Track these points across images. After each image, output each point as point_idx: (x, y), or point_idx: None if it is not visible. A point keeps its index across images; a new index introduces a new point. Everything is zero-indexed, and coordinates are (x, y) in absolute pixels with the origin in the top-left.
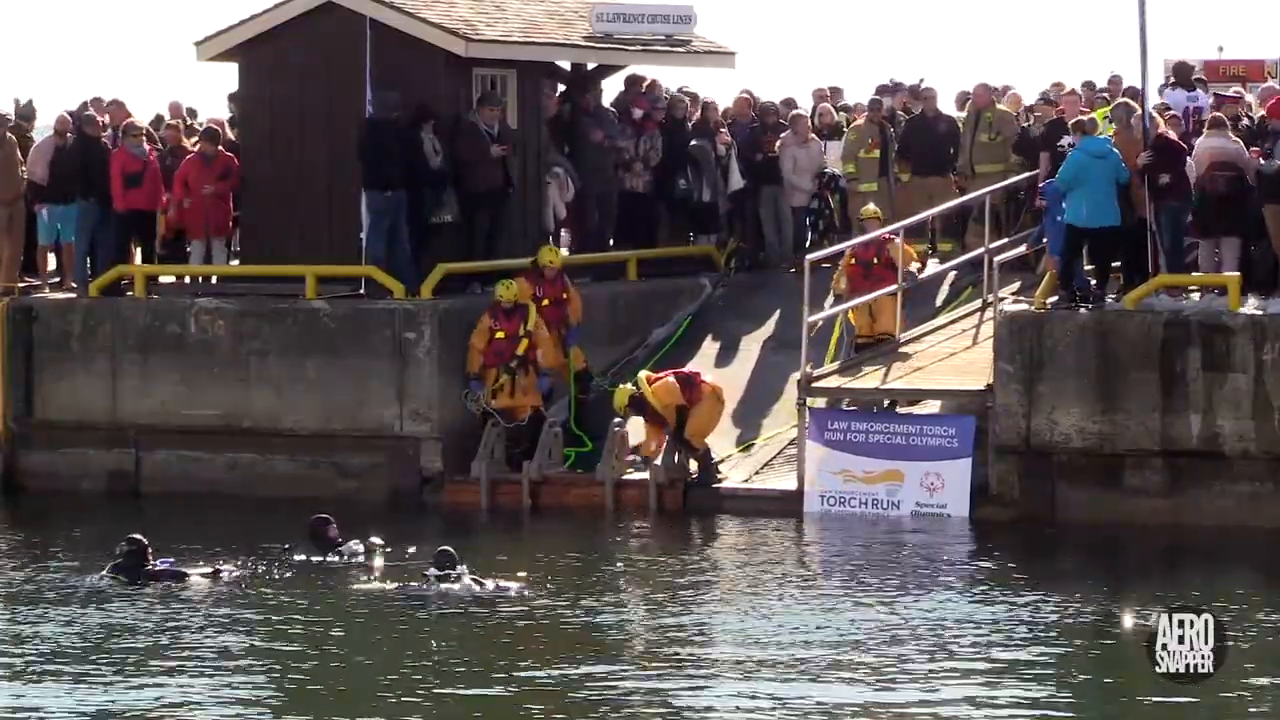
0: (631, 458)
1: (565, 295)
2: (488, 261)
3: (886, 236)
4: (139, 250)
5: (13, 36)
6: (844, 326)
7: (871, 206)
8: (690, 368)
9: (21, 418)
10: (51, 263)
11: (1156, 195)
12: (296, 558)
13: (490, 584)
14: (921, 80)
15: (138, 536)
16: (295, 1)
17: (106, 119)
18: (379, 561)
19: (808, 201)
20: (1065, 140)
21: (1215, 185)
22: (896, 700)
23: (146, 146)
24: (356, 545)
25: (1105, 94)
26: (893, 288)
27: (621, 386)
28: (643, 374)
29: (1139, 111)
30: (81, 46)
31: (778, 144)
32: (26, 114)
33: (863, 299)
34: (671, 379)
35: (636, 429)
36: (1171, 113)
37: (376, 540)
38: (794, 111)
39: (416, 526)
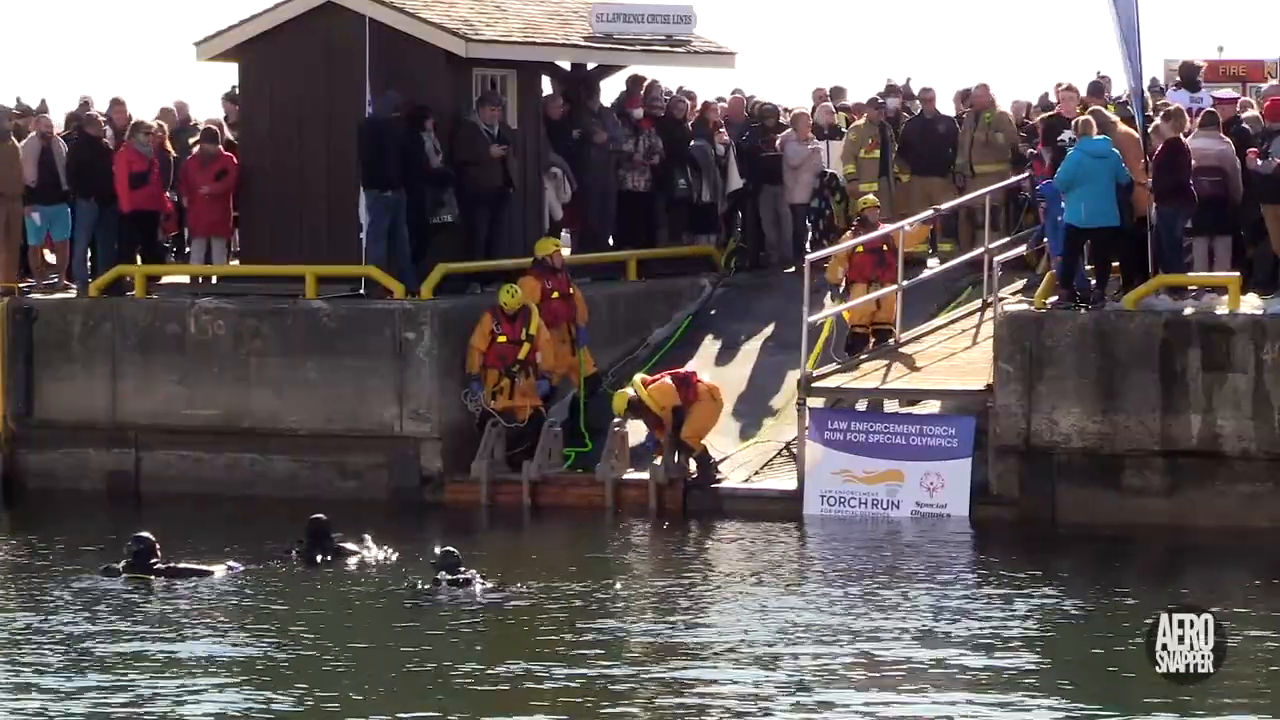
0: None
1: (572, 290)
2: (488, 261)
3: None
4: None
5: (11, 36)
6: (836, 324)
7: (871, 197)
8: (690, 367)
9: (21, 418)
10: (51, 260)
11: (1159, 196)
12: (302, 556)
13: (493, 584)
14: (909, 80)
15: (145, 535)
16: (295, 1)
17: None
18: (375, 559)
19: (808, 201)
20: (1066, 135)
21: (1200, 188)
22: (896, 700)
23: (150, 147)
24: (365, 546)
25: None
26: (893, 287)
27: (619, 392)
28: (638, 377)
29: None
30: (81, 46)
31: (777, 143)
32: (27, 113)
33: (881, 292)
34: (667, 380)
35: (636, 429)
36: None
37: (368, 539)
38: (794, 111)
39: (416, 526)
